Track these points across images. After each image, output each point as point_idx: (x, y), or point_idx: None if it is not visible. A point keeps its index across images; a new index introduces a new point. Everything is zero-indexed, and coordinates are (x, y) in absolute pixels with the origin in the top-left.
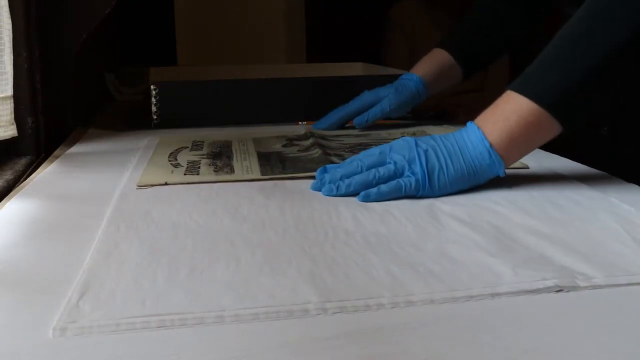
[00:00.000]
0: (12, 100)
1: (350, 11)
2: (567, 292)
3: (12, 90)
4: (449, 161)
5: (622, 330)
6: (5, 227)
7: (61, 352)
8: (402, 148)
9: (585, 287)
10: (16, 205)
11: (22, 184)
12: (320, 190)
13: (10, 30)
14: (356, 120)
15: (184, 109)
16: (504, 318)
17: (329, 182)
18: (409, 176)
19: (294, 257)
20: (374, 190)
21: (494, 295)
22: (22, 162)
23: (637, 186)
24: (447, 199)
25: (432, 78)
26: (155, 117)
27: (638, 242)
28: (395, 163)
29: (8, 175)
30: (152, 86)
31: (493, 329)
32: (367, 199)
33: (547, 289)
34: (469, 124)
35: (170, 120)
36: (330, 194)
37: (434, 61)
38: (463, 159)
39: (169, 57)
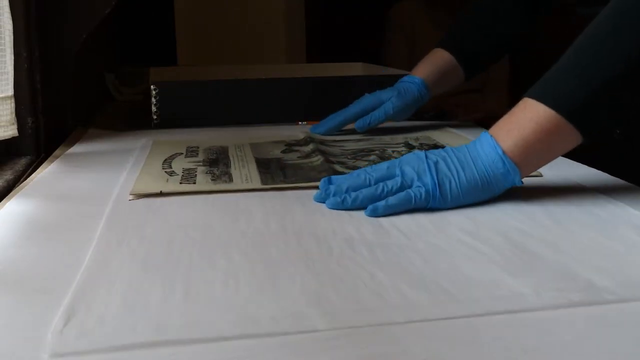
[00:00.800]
0: (12, 100)
1: (350, 11)
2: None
3: (13, 89)
4: (460, 171)
5: (622, 330)
6: (5, 227)
7: (60, 352)
8: (411, 160)
9: (611, 301)
10: (16, 205)
11: (22, 184)
12: (324, 202)
13: (11, 31)
14: (357, 124)
15: (184, 109)
16: (504, 318)
17: (334, 195)
18: (418, 186)
19: (297, 275)
20: (382, 203)
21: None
22: (22, 162)
23: None
24: (458, 211)
25: (434, 79)
26: (155, 117)
27: None
28: (403, 175)
29: (8, 175)
30: (152, 86)
31: (493, 329)
32: (374, 214)
33: (571, 303)
34: (482, 133)
35: (170, 120)
36: (335, 207)
37: (436, 62)
38: (476, 168)
39: (169, 57)
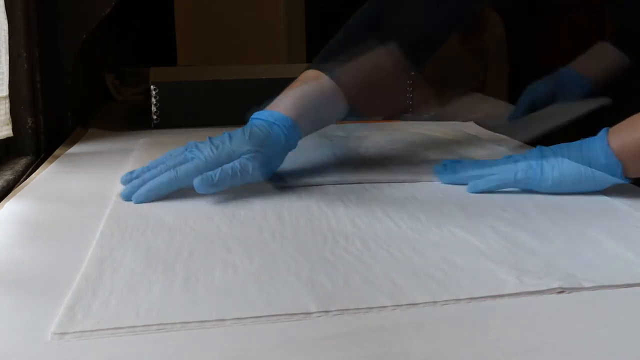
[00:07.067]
0: (7, 101)
1: (350, 11)
2: (568, 293)
3: (7, 90)
4: (566, 156)
5: (622, 330)
6: (5, 227)
7: (60, 353)
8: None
9: (588, 288)
10: (16, 206)
11: (22, 184)
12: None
13: (6, 31)
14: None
15: (184, 109)
16: (504, 318)
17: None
18: (521, 163)
19: (292, 263)
20: (483, 181)
21: (495, 296)
22: (22, 162)
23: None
24: (450, 203)
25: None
26: (155, 117)
27: None
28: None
29: (8, 175)
30: (152, 86)
31: (493, 329)
32: (475, 189)
33: (550, 290)
34: (602, 130)
35: (170, 120)
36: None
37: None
38: (582, 156)
39: (169, 57)
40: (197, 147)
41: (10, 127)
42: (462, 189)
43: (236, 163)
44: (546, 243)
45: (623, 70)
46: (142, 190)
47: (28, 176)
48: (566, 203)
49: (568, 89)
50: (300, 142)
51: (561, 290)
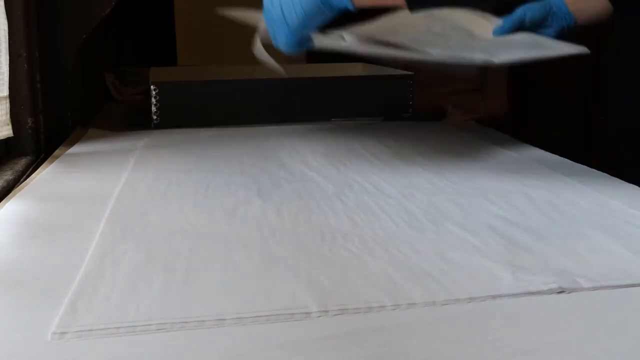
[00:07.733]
0: (7, 101)
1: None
2: (568, 293)
3: (7, 90)
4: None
5: (622, 330)
6: (5, 227)
7: (60, 353)
8: None
9: (587, 289)
10: (16, 206)
11: (22, 184)
12: None
13: (6, 31)
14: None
15: (184, 109)
16: (504, 318)
17: None
18: None
19: (291, 260)
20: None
21: (495, 297)
22: (22, 162)
23: (638, 187)
24: (446, 201)
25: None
26: (155, 117)
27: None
28: None
29: (8, 175)
30: (152, 86)
31: (493, 329)
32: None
33: (550, 291)
34: None
35: (170, 120)
36: None
37: None
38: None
39: (169, 57)
40: None
41: (10, 127)
42: (459, 186)
43: None
44: (542, 240)
45: (608, 18)
46: None
47: (28, 176)
48: (562, 201)
49: (555, 21)
50: None
51: (561, 291)
